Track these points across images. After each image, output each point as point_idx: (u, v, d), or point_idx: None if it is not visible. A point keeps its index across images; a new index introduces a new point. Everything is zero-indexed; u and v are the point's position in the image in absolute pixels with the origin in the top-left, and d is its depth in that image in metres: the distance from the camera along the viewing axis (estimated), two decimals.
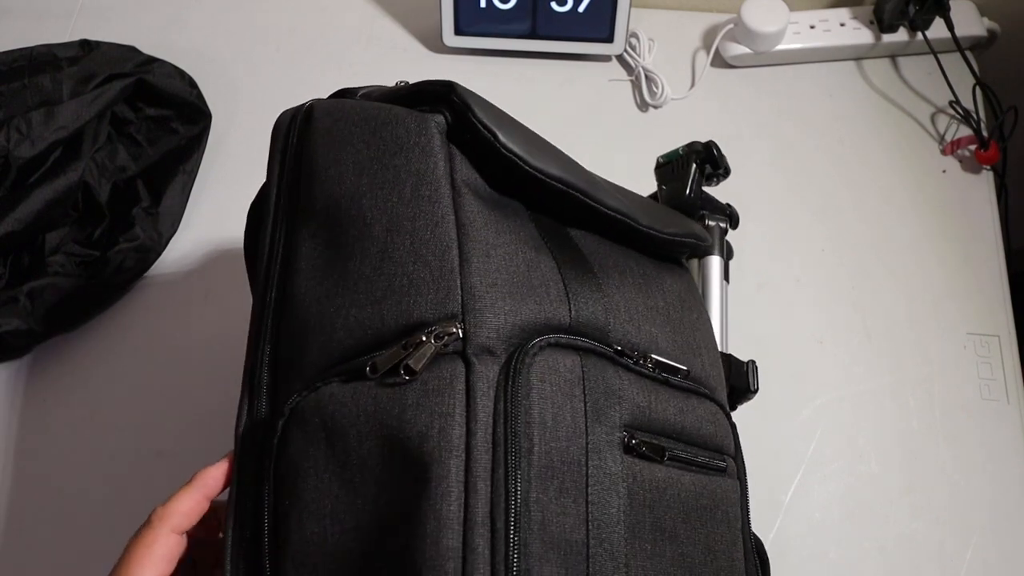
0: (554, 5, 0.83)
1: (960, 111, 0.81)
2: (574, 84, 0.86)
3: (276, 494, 0.38)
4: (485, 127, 0.41)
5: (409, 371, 0.36)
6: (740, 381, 0.57)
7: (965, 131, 0.81)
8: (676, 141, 0.83)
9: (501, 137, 0.41)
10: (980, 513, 0.65)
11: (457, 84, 0.42)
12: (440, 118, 0.42)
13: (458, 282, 0.38)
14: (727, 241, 0.62)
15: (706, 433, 0.45)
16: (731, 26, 0.84)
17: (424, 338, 0.37)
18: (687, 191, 0.59)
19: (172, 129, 0.79)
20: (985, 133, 0.79)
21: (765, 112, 0.84)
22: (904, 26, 0.84)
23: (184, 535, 0.41)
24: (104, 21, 0.90)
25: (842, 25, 0.85)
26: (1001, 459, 0.67)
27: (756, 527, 0.65)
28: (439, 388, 0.36)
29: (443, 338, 0.37)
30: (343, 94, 0.50)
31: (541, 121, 0.84)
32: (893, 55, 0.86)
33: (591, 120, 0.84)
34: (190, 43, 0.88)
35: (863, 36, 0.84)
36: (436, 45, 0.87)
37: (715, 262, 0.60)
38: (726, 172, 0.63)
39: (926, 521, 0.65)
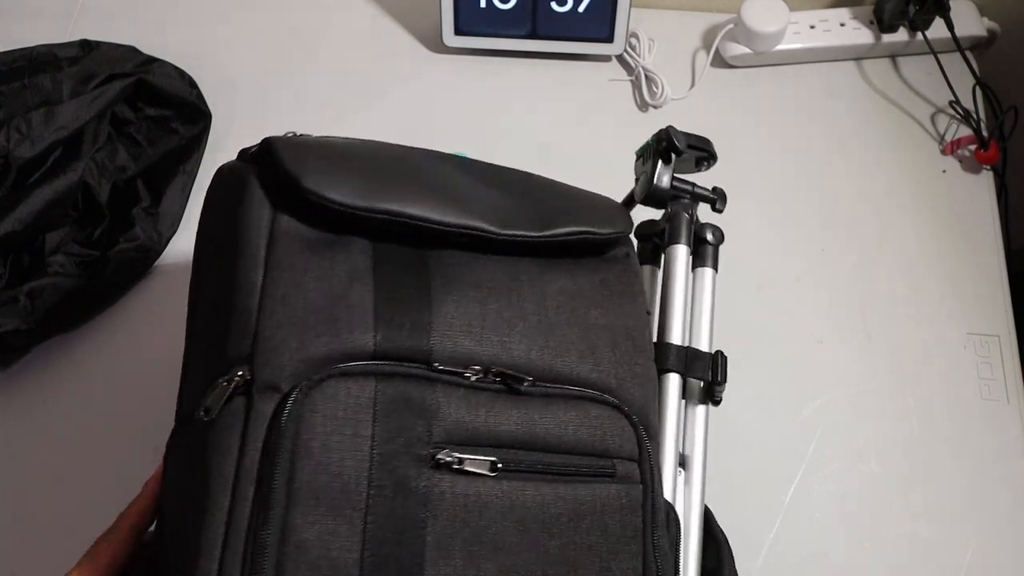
0: (554, 5, 0.83)
1: (960, 111, 0.81)
2: (574, 84, 0.86)
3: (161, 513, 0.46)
4: (287, 174, 0.44)
5: (207, 411, 0.41)
6: (704, 373, 0.56)
7: (965, 131, 0.81)
8: None
9: (304, 183, 0.44)
10: (980, 513, 0.65)
11: (275, 138, 0.47)
12: (262, 171, 0.46)
13: (253, 326, 0.42)
14: (713, 226, 0.61)
15: (577, 439, 0.45)
16: (731, 26, 0.84)
17: (221, 380, 0.41)
18: (652, 181, 0.61)
19: (172, 129, 0.79)
20: (985, 133, 0.79)
21: (765, 112, 0.84)
22: (904, 26, 0.84)
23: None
24: (104, 21, 0.90)
25: (842, 25, 0.85)
26: (1001, 459, 0.67)
27: (756, 527, 0.65)
28: (226, 426, 0.41)
29: (234, 380, 0.41)
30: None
31: (541, 121, 0.84)
32: (893, 55, 0.86)
33: (591, 120, 0.84)
34: (190, 43, 0.88)
35: (863, 36, 0.84)
36: (436, 45, 0.87)
37: (677, 251, 0.59)
38: (710, 157, 0.63)
39: (926, 521, 0.65)
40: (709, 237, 0.61)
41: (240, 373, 0.41)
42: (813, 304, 0.74)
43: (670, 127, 0.61)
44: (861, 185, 0.80)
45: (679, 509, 0.54)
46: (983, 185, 0.79)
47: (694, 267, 0.61)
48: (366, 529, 0.39)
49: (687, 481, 0.55)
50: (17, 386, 0.71)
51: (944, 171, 0.80)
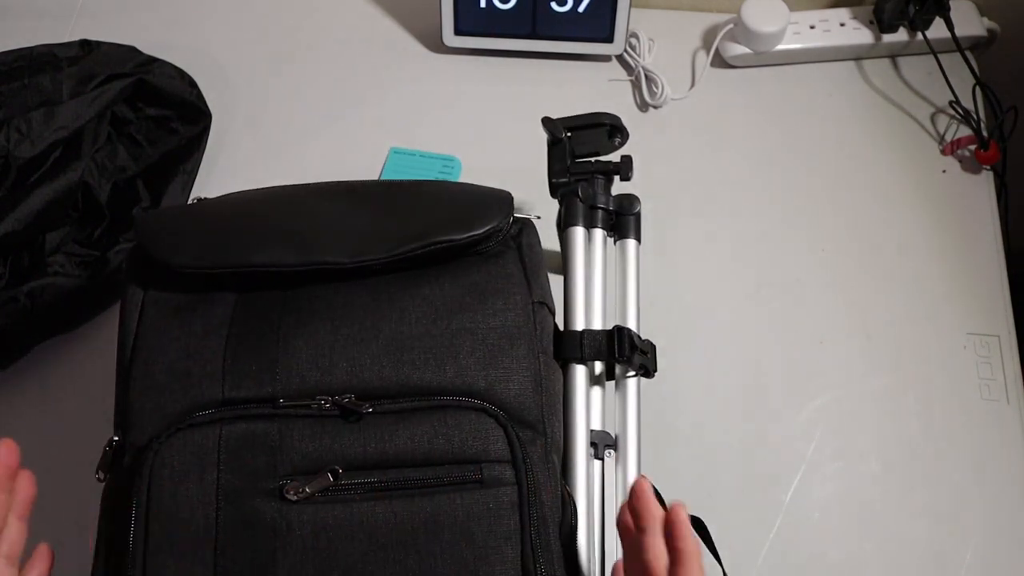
0: (554, 5, 0.83)
1: (960, 111, 0.81)
2: (574, 84, 0.86)
3: None
4: (143, 249, 0.51)
5: (100, 475, 0.48)
6: (613, 353, 0.56)
7: (965, 131, 0.81)
8: (676, 141, 0.83)
9: (155, 255, 0.50)
10: (980, 513, 0.65)
11: (139, 217, 0.55)
12: (134, 251, 0.53)
13: (124, 396, 0.48)
14: (626, 195, 0.63)
15: (432, 449, 0.46)
16: (731, 26, 0.84)
17: (105, 447, 0.48)
18: (548, 174, 0.64)
19: (172, 129, 0.79)
20: (985, 133, 0.79)
21: (765, 112, 0.84)
22: (904, 26, 0.84)
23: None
24: (104, 21, 0.90)
25: (842, 25, 0.85)
26: (1001, 459, 0.67)
27: (756, 527, 0.65)
28: (107, 487, 0.49)
29: (112, 445, 0.48)
30: None
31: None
32: (893, 55, 0.86)
33: None
34: (190, 43, 0.88)
35: (863, 36, 0.84)
36: (436, 45, 0.87)
37: (570, 235, 0.61)
38: (615, 128, 0.65)
39: (926, 521, 0.65)
40: (625, 207, 0.63)
41: (115, 439, 0.48)
42: (813, 304, 0.74)
43: (544, 118, 0.63)
44: (861, 185, 0.80)
45: (603, 492, 0.55)
46: (983, 185, 0.79)
47: (616, 240, 0.63)
48: (217, 567, 0.44)
49: (618, 461, 0.56)
50: (17, 386, 0.71)
51: (944, 171, 0.80)
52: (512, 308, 0.51)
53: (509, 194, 0.56)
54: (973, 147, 0.79)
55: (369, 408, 0.46)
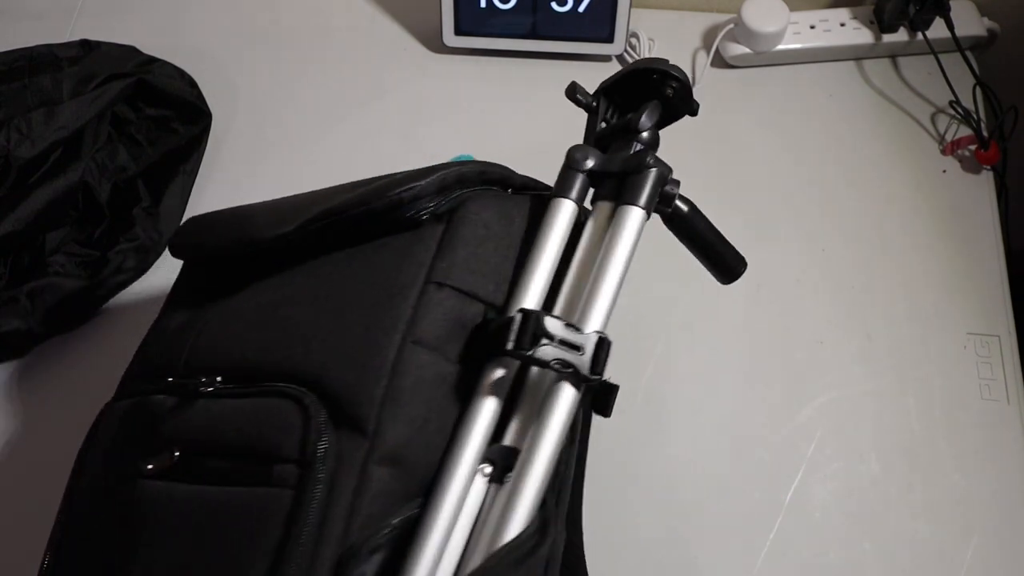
0: (554, 5, 0.83)
1: (960, 111, 0.81)
2: None
3: None
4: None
5: None
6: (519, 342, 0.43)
7: (965, 131, 0.81)
8: (676, 140, 0.83)
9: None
10: (980, 513, 0.65)
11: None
12: None
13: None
14: (637, 153, 0.50)
15: (242, 439, 0.42)
16: (731, 26, 0.84)
17: None
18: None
19: (172, 129, 0.79)
20: (985, 133, 0.79)
21: (765, 112, 0.84)
22: (904, 26, 0.84)
23: None
24: (104, 21, 0.90)
25: (842, 25, 0.85)
26: (1001, 459, 0.67)
27: (756, 527, 0.65)
28: None
29: None
30: None
31: (541, 121, 0.84)
32: (893, 55, 0.86)
33: None
34: (190, 43, 0.88)
35: (863, 36, 0.84)
36: (436, 45, 0.87)
37: (551, 207, 0.49)
38: (665, 79, 0.52)
39: (926, 521, 0.65)
40: (631, 165, 0.48)
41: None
42: (813, 304, 0.74)
43: (569, 85, 0.56)
44: (861, 185, 0.80)
45: (474, 526, 0.42)
46: (983, 185, 0.79)
47: (619, 204, 0.48)
48: (89, 536, 0.47)
49: (510, 489, 0.41)
50: (17, 386, 0.71)
51: (944, 171, 0.80)
52: (388, 288, 0.44)
53: (462, 165, 0.49)
54: (973, 147, 0.79)
55: (214, 386, 0.44)
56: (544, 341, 0.41)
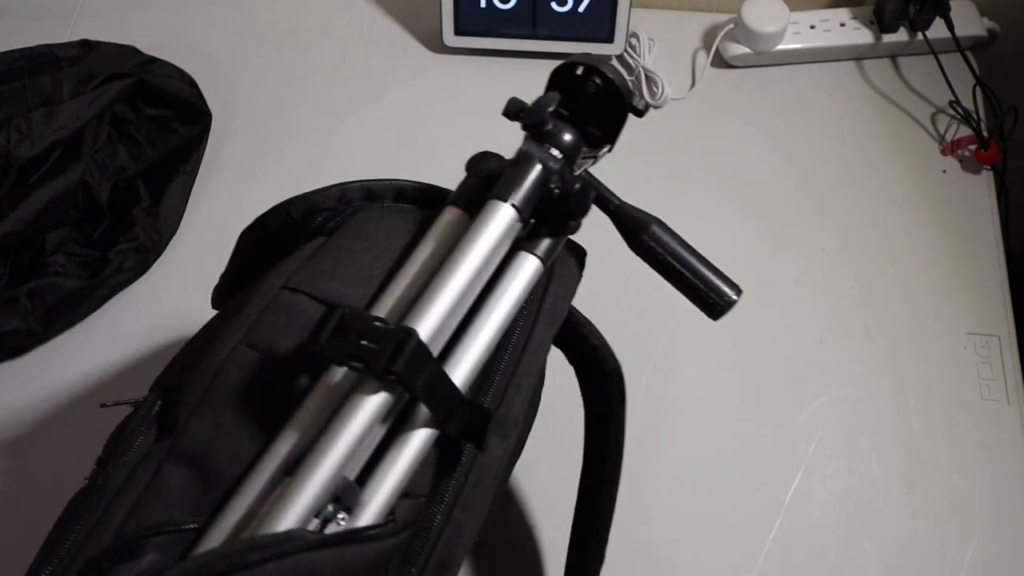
0: (554, 5, 0.83)
1: (960, 111, 0.81)
2: None
3: None
4: None
5: None
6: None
7: (965, 131, 0.81)
8: (676, 141, 0.83)
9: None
10: (980, 513, 0.65)
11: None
12: None
13: None
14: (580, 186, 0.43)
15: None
16: (731, 26, 0.84)
17: None
18: None
19: (172, 129, 0.79)
20: (985, 133, 0.79)
21: (765, 112, 0.84)
22: (904, 26, 0.84)
23: None
24: (104, 21, 0.90)
25: (842, 25, 0.85)
26: (1001, 459, 0.67)
27: (756, 527, 0.65)
28: None
29: None
30: None
31: None
32: (893, 55, 0.86)
33: None
34: (190, 43, 0.88)
35: (863, 36, 0.84)
36: (436, 45, 0.87)
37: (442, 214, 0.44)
38: (589, 73, 0.44)
39: (926, 521, 0.65)
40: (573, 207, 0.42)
41: None
42: (813, 304, 0.74)
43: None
44: (861, 185, 0.80)
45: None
46: (983, 185, 0.79)
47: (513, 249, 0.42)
48: None
49: (294, 478, 0.35)
50: (17, 386, 0.71)
51: (944, 171, 0.80)
52: (247, 295, 0.42)
53: (373, 180, 0.46)
54: (973, 147, 0.79)
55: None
56: (352, 338, 0.36)
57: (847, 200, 0.79)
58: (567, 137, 0.43)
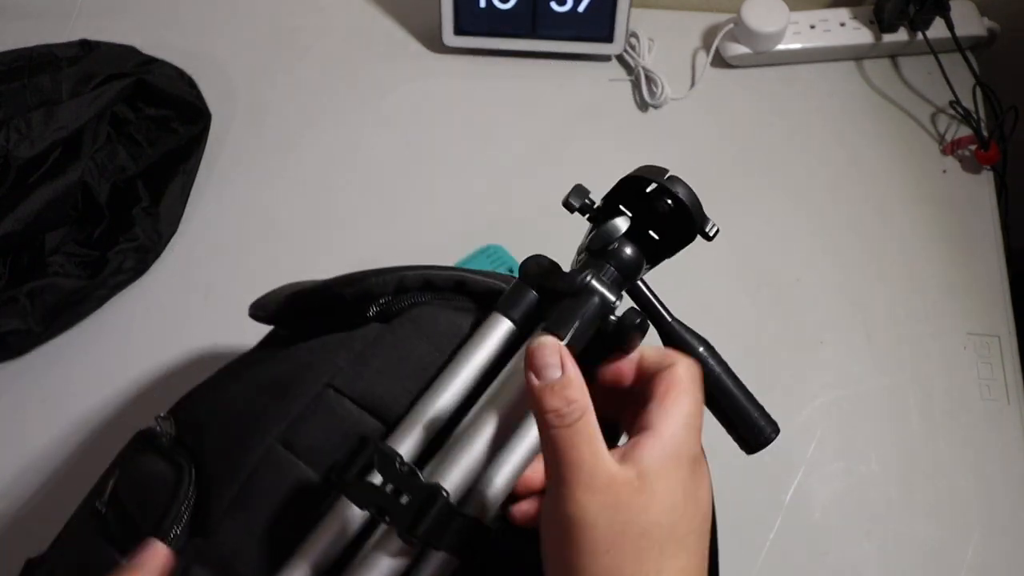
0: (554, 5, 0.83)
1: (960, 111, 0.81)
2: (574, 84, 0.86)
3: None
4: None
5: None
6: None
7: (965, 131, 0.81)
8: (676, 141, 0.83)
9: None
10: (980, 513, 0.65)
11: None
12: None
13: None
14: (631, 312, 0.40)
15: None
16: (731, 26, 0.84)
17: None
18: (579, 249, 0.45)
19: (172, 129, 0.79)
20: (985, 133, 0.79)
21: (765, 112, 0.84)
22: (904, 26, 0.84)
23: None
24: (104, 21, 0.90)
25: (842, 25, 0.85)
26: (1001, 459, 0.67)
27: (756, 527, 0.65)
28: None
29: None
30: None
31: (541, 121, 0.84)
32: (893, 55, 0.86)
33: (591, 120, 0.84)
34: (190, 43, 0.88)
35: (863, 36, 0.84)
36: (436, 45, 0.87)
37: (488, 321, 0.41)
38: (660, 194, 0.40)
39: (926, 521, 0.65)
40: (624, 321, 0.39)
41: None
42: (813, 304, 0.74)
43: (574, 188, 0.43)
44: (861, 185, 0.80)
45: None
46: (983, 185, 0.79)
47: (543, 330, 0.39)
48: None
49: None
50: (17, 386, 0.71)
51: (944, 171, 0.80)
52: (290, 383, 0.42)
53: (429, 269, 0.45)
54: (973, 147, 0.79)
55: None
56: (380, 479, 0.35)
57: (847, 200, 0.79)
58: (629, 254, 0.41)
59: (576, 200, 0.42)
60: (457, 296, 0.44)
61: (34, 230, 0.72)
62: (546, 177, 0.80)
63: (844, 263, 0.76)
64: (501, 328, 0.40)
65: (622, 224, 0.41)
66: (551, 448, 0.34)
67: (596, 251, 0.40)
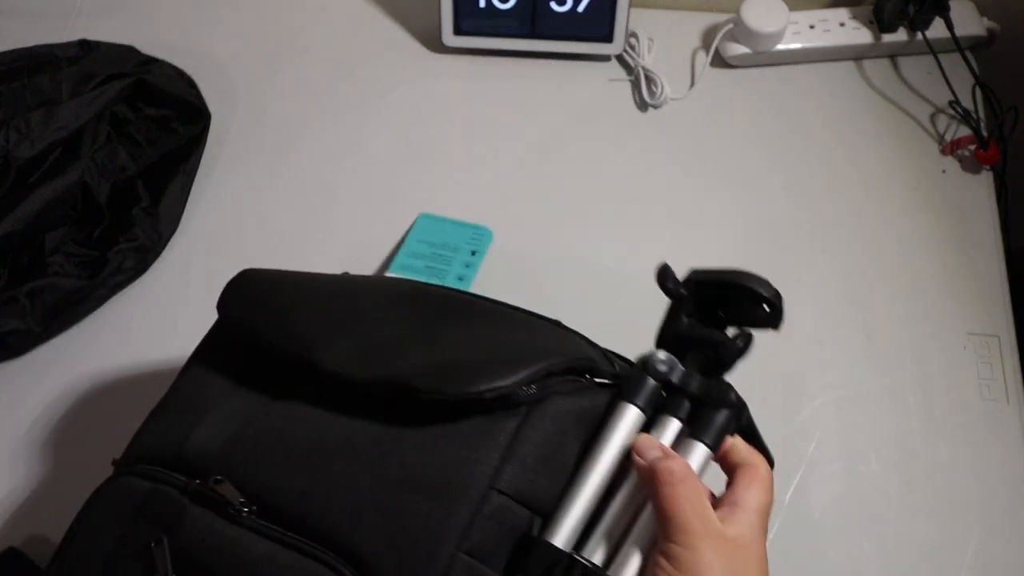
0: (553, 5, 0.83)
1: (960, 111, 0.81)
2: (574, 84, 0.86)
3: None
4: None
5: None
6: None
7: (965, 131, 0.81)
8: (675, 141, 0.83)
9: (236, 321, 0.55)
10: (980, 513, 0.65)
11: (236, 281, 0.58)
12: None
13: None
14: (717, 382, 0.50)
15: None
16: (731, 26, 0.84)
17: None
18: (661, 330, 0.52)
19: (172, 129, 0.79)
20: (985, 133, 0.79)
21: (765, 112, 0.84)
22: (904, 26, 0.84)
23: None
24: (104, 21, 0.90)
25: (842, 25, 0.85)
26: (1001, 459, 0.67)
27: None
28: None
29: None
30: None
31: (540, 121, 0.84)
32: (893, 55, 0.86)
33: (591, 120, 0.84)
34: (190, 43, 0.88)
35: (863, 36, 0.84)
36: (436, 45, 0.87)
37: (622, 412, 0.46)
38: (758, 300, 0.52)
39: (926, 521, 0.65)
40: (713, 395, 0.48)
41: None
42: (813, 304, 0.74)
43: (661, 266, 0.52)
44: (861, 185, 0.80)
45: None
46: (983, 185, 0.79)
47: (691, 436, 0.46)
48: None
49: None
50: (17, 386, 0.71)
51: (944, 171, 0.80)
52: (449, 486, 0.42)
53: (566, 354, 0.47)
54: (973, 147, 0.79)
55: (241, 516, 0.43)
56: None
57: (847, 200, 0.79)
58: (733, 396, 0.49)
59: (672, 285, 0.51)
60: (577, 378, 0.47)
61: (34, 230, 0.72)
62: (546, 177, 0.80)
63: (844, 263, 0.76)
64: (631, 417, 0.46)
65: (747, 343, 0.50)
66: (669, 503, 0.40)
67: (725, 363, 0.50)
